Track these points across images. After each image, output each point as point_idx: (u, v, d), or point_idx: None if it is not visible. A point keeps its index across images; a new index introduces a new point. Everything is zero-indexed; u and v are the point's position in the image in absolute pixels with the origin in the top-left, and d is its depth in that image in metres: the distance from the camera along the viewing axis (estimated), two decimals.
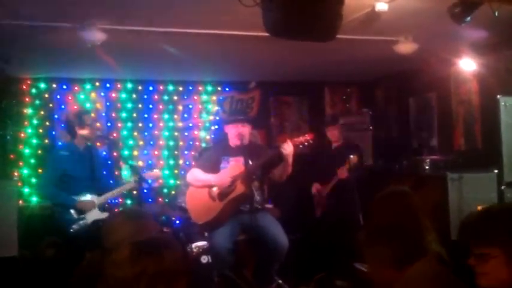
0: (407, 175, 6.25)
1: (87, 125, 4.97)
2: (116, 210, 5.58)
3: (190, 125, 7.52)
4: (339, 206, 5.94)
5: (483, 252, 1.91)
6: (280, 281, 5.07)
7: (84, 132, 4.96)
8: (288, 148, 4.66)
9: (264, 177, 5.08)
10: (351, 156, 5.71)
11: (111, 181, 5.49)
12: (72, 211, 4.81)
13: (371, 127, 7.69)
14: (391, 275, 2.21)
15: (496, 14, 3.73)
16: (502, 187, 5.23)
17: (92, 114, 5.55)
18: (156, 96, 7.40)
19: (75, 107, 6.78)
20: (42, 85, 6.89)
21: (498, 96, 5.38)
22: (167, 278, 1.82)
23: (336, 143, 6.22)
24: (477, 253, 1.93)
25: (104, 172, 5.34)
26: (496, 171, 5.31)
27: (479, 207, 4.60)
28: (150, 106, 7.37)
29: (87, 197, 4.90)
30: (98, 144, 5.37)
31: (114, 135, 7.04)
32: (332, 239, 5.76)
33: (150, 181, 5.15)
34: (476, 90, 6.13)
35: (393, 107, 7.80)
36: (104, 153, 6.50)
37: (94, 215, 4.87)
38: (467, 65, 5.94)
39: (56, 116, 6.92)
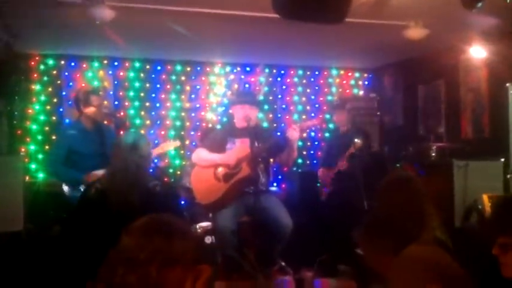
0: (413, 162, 6.22)
1: (93, 105, 4.86)
2: None
3: (198, 105, 7.51)
4: (343, 191, 5.92)
5: (507, 242, 1.90)
6: (283, 263, 5.09)
7: (89, 111, 4.88)
8: (293, 134, 4.67)
9: (270, 160, 5.09)
10: (356, 140, 5.67)
11: None
12: (81, 188, 4.76)
13: (378, 113, 7.64)
14: (390, 262, 2.21)
15: (508, 0, 3.69)
16: (508, 176, 5.20)
17: (100, 93, 5.48)
18: (163, 76, 7.39)
19: (85, 85, 6.74)
20: (51, 62, 6.91)
21: (507, 85, 5.35)
22: (174, 264, 1.78)
23: (343, 127, 6.19)
24: (501, 243, 1.91)
25: None
26: (502, 160, 5.28)
27: (484, 196, 4.63)
28: (158, 86, 7.36)
29: (97, 172, 4.83)
30: (105, 122, 5.32)
31: (121, 113, 7.04)
32: (336, 224, 5.76)
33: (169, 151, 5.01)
34: (485, 78, 6.07)
35: (401, 93, 7.75)
36: None
37: None
38: (477, 52, 5.87)
39: (63, 93, 6.94)
